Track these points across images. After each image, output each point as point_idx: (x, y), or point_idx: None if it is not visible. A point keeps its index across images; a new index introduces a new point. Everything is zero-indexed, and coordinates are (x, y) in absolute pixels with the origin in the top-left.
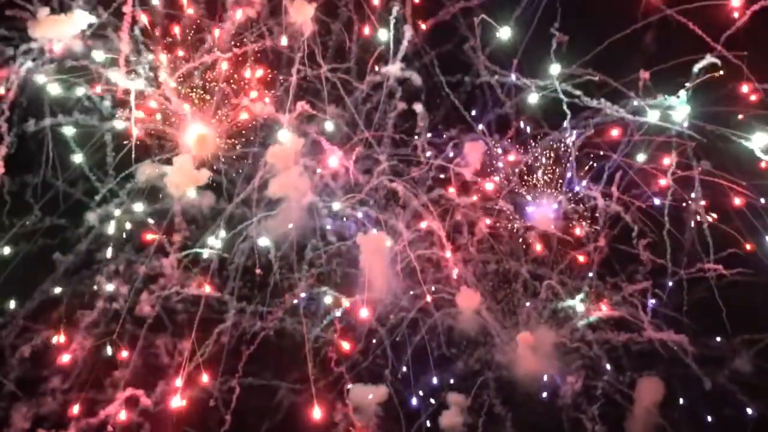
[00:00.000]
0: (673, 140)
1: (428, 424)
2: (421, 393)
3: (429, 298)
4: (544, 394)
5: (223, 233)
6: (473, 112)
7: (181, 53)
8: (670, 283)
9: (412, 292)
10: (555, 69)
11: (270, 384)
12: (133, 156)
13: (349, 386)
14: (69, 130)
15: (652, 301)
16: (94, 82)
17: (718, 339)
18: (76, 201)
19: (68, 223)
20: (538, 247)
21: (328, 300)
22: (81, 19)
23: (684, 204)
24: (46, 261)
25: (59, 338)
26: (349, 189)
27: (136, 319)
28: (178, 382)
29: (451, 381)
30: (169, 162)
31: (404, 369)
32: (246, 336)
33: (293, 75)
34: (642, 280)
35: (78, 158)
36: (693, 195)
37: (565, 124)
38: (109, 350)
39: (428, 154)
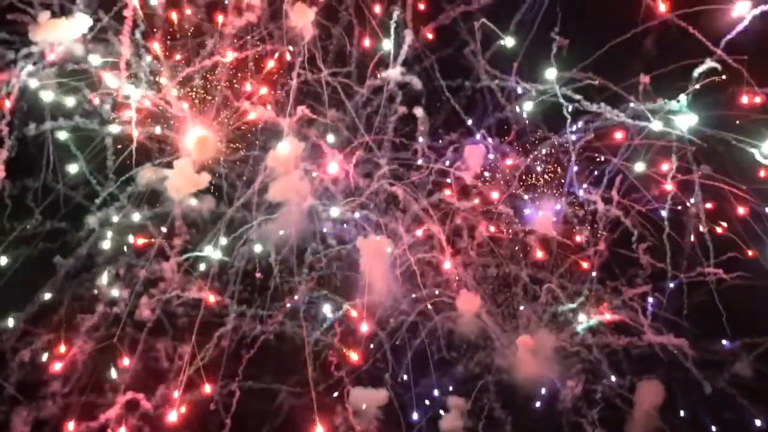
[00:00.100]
0: (673, 144)
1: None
2: (421, 396)
3: (429, 305)
4: (544, 398)
5: (223, 239)
6: (474, 117)
7: (181, 57)
8: (672, 285)
9: (413, 296)
10: (551, 73)
11: (270, 388)
12: (133, 160)
13: (349, 390)
14: (68, 134)
15: (650, 299)
16: (94, 88)
17: (724, 342)
18: (77, 205)
19: (69, 226)
20: (539, 253)
21: (326, 309)
22: (81, 22)
23: (679, 207)
24: (47, 265)
25: (59, 347)
26: (349, 193)
27: (137, 322)
28: (176, 394)
29: (451, 385)
30: (170, 166)
31: (404, 373)
32: (246, 340)
33: (293, 79)
34: (642, 283)
35: (78, 162)
36: (693, 200)
37: (568, 129)
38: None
39: (428, 157)
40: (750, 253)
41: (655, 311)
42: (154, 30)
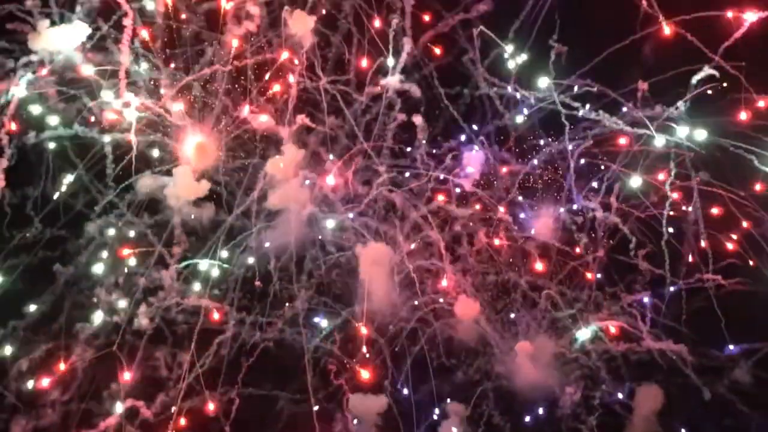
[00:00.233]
0: (671, 151)
1: None
2: (420, 403)
3: (428, 310)
4: (543, 404)
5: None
6: (472, 125)
7: (180, 65)
8: (672, 288)
9: (414, 302)
10: (544, 82)
11: (270, 394)
12: (133, 168)
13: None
14: (68, 143)
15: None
16: (94, 96)
17: (732, 347)
18: (77, 213)
19: (68, 234)
20: (538, 265)
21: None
22: (80, 31)
23: (671, 213)
24: (47, 272)
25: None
26: (348, 200)
27: (136, 330)
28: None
29: (451, 391)
30: (169, 173)
31: (403, 379)
32: (246, 347)
33: (293, 87)
34: (641, 290)
35: (77, 171)
36: (691, 206)
37: (566, 136)
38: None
39: (427, 164)
40: (750, 262)
41: (654, 317)
42: (154, 38)
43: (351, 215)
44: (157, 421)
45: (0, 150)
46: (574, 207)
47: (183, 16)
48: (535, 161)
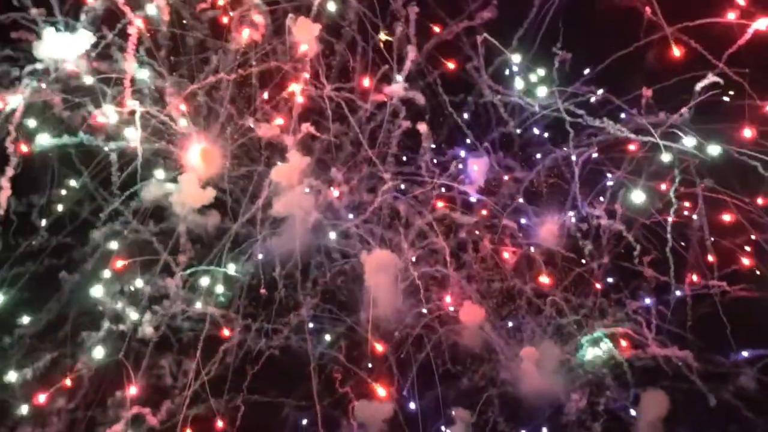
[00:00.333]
0: (676, 157)
1: None
2: (426, 409)
3: (433, 317)
4: (549, 410)
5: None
6: (477, 132)
7: (185, 73)
8: (678, 293)
9: (422, 310)
10: (542, 91)
11: (275, 401)
12: (138, 175)
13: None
14: (73, 150)
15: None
16: (98, 104)
17: (745, 354)
18: (83, 220)
19: (74, 242)
20: (543, 275)
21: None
22: (85, 39)
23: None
24: (53, 280)
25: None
26: (353, 207)
27: (142, 339)
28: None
29: (456, 397)
30: (175, 181)
31: (409, 385)
32: (251, 354)
33: (297, 95)
34: (646, 296)
35: (83, 178)
36: (696, 212)
37: (571, 143)
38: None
39: (432, 171)
40: (757, 271)
41: (660, 324)
42: (158, 46)
43: (356, 222)
44: (163, 429)
45: (5, 158)
46: (579, 213)
47: (187, 24)
48: (540, 168)
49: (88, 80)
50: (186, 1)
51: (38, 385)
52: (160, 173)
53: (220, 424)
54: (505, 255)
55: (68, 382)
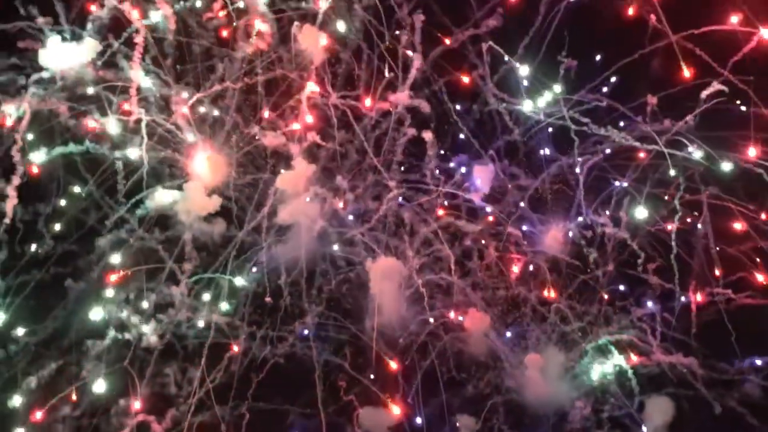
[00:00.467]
0: (680, 165)
1: None
2: (431, 416)
3: (438, 324)
4: (553, 417)
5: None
6: (482, 140)
7: (191, 81)
8: (683, 298)
9: (426, 317)
10: (541, 102)
11: (280, 409)
12: (144, 183)
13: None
14: (79, 158)
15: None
16: (104, 112)
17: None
18: (89, 228)
19: (79, 249)
20: (548, 289)
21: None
22: (91, 47)
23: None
24: (59, 288)
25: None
26: (358, 215)
27: (147, 347)
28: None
29: (461, 404)
30: (180, 189)
31: (414, 393)
32: (256, 362)
33: (303, 103)
34: (651, 303)
35: (89, 186)
36: (701, 220)
37: (576, 151)
38: None
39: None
40: (761, 278)
41: (664, 331)
42: (165, 55)
43: (361, 230)
44: None
45: (11, 167)
46: (584, 220)
47: (193, 33)
48: (545, 176)
49: (94, 89)
50: (192, 10)
51: (43, 393)
52: (165, 193)
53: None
54: (514, 269)
55: (73, 391)
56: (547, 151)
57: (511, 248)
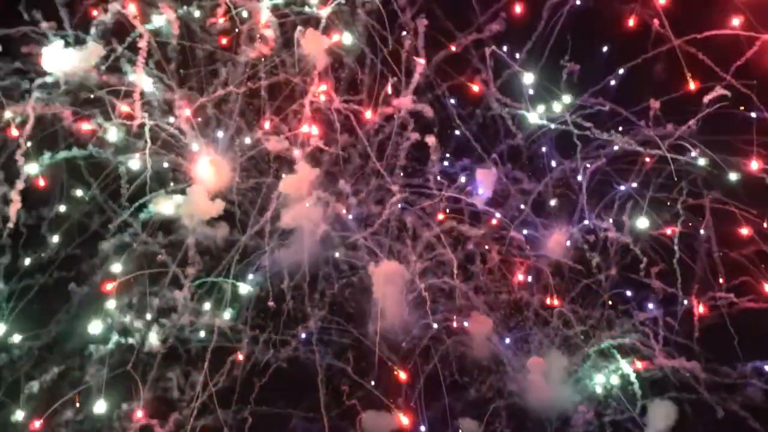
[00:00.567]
0: (683, 169)
1: None
2: (433, 420)
3: (441, 329)
4: (556, 422)
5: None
6: (485, 144)
7: (194, 85)
8: (685, 302)
9: (429, 321)
10: (538, 115)
11: (282, 413)
12: (147, 187)
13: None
14: (82, 163)
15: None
16: (108, 117)
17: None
18: (92, 232)
19: (82, 253)
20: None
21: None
22: (95, 52)
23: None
24: (62, 292)
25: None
26: (361, 219)
27: (150, 351)
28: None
29: (463, 408)
30: (184, 193)
31: (416, 396)
32: (259, 366)
33: (306, 107)
34: (653, 307)
35: (92, 190)
36: (703, 224)
37: (579, 156)
38: None
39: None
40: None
41: (667, 335)
42: (168, 59)
43: (364, 234)
44: None
45: (15, 172)
46: (587, 224)
47: (197, 37)
48: (548, 180)
49: (98, 93)
50: (195, 14)
51: (45, 398)
52: (168, 205)
53: None
54: (519, 277)
55: (75, 395)
56: (551, 157)
57: (514, 252)
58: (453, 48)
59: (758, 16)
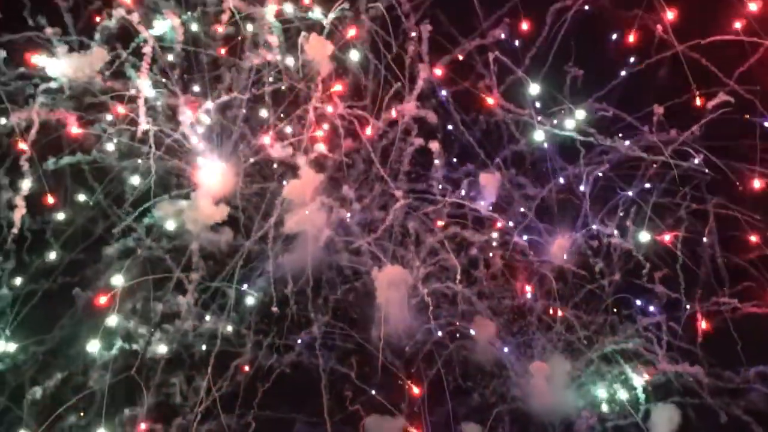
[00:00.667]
0: (687, 174)
1: None
2: (436, 424)
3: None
4: (559, 427)
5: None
6: (489, 149)
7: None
8: (688, 307)
9: (430, 326)
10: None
11: (286, 417)
12: (151, 192)
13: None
14: (86, 167)
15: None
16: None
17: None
18: (96, 237)
19: (86, 258)
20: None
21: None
22: (99, 57)
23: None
24: (66, 297)
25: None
26: (365, 224)
27: (154, 356)
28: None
29: (467, 413)
30: (188, 198)
31: (420, 401)
32: (262, 371)
33: (310, 113)
34: (657, 312)
35: (96, 195)
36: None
37: (582, 161)
38: None
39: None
40: None
41: (670, 340)
42: (172, 64)
43: (368, 240)
44: None
45: (20, 176)
46: (591, 229)
47: (201, 42)
48: (551, 185)
49: (102, 98)
50: (200, 20)
51: (49, 402)
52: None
53: None
54: (528, 290)
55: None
56: (555, 162)
57: (517, 257)
58: (460, 57)
59: (762, 22)
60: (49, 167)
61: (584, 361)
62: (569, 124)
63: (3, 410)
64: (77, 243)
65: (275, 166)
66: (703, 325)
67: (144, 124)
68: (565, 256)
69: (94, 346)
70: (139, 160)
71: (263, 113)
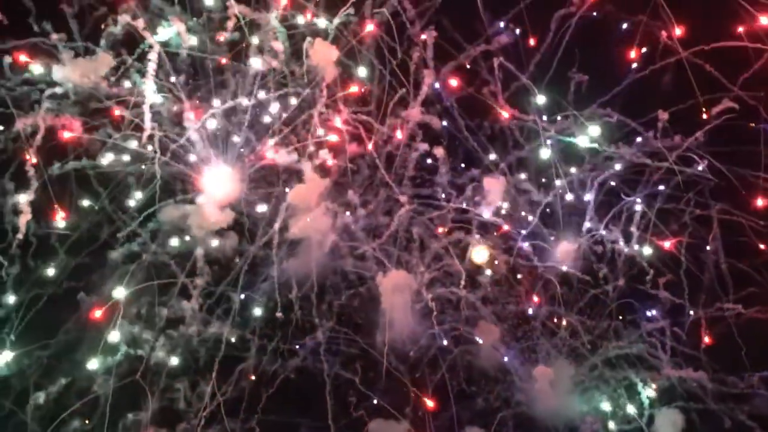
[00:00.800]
0: (691, 180)
1: None
2: (441, 429)
3: (445, 342)
4: None
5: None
6: (494, 155)
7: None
8: (692, 313)
9: (434, 330)
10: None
11: (290, 422)
12: (157, 197)
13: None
14: (91, 173)
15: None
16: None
17: None
18: (102, 242)
19: (91, 263)
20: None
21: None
22: (105, 62)
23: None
24: (71, 302)
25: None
26: (369, 230)
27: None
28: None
29: (471, 417)
30: (192, 203)
31: (425, 405)
32: (267, 376)
33: (315, 118)
34: (661, 318)
35: (101, 200)
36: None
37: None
38: None
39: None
40: None
41: (674, 345)
42: (177, 70)
43: (372, 245)
44: None
45: (26, 182)
46: (594, 235)
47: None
48: (556, 191)
49: (107, 103)
50: (205, 26)
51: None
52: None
53: None
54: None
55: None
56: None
57: (521, 263)
58: (467, 66)
59: (766, 29)
60: (54, 172)
61: (588, 366)
62: (579, 135)
63: (7, 415)
64: (82, 248)
65: (280, 171)
66: (706, 339)
67: (149, 130)
68: (569, 262)
69: (94, 365)
70: (144, 166)
71: (268, 119)
